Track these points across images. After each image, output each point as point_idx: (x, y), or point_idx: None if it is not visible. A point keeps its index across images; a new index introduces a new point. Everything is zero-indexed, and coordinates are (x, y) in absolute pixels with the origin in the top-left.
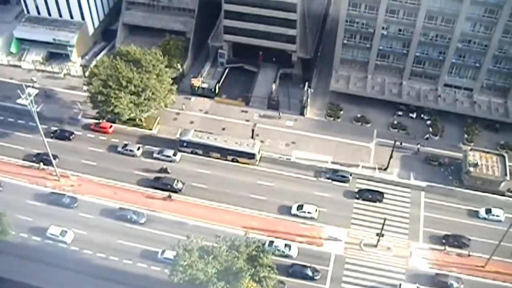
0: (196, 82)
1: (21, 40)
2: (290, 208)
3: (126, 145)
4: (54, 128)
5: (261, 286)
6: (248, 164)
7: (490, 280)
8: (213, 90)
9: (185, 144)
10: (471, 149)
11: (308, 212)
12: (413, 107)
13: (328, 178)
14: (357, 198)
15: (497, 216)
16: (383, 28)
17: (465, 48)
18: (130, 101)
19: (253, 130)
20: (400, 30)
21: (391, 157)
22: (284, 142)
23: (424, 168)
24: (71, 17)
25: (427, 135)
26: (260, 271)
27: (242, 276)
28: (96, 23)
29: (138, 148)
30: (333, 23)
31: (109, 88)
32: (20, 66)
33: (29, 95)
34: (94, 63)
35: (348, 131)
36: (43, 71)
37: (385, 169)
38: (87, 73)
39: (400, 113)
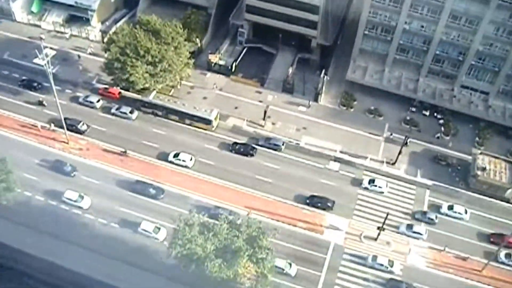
0: (214, 58)
1: (43, 0)
2: (167, 154)
3: (87, 96)
4: (23, 78)
5: (258, 268)
6: (205, 129)
7: (486, 285)
8: (229, 68)
9: (146, 104)
10: (481, 153)
11: (183, 160)
12: (427, 104)
13: (261, 146)
14: (230, 151)
15: (380, 187)
16: (405, 22)
17: (486, 51)
18: (146, 71)
19: (265, 112)
20: (422, 27)
21: (400, 152)
22: (295, 127)
23: (432, 166)
24: None
25: (439, 134)
26: (259, 253)
27: (240, 256)
28: None
29: (98, 101)
30: (356, 12)
31: (126, 56)
32: (40, 26)
33: (46, 55)
34: (113, 29)
35: (360, 122)
36: (51, 31)
37: (393, 164)
38: (105, 39)
39: (413, 109)
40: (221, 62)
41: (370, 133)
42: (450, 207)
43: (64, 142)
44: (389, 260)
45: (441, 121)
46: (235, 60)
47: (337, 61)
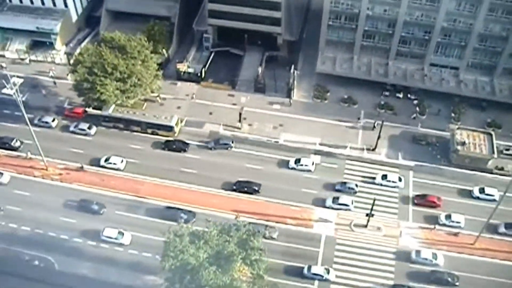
0: (182, 67)
1: (4, 29)
2: (99, 160)
3: (42, 116)
4: None
5: (253, 269)
6: (167, 136)
7: (479, 257)
8: (199, 74)
9: (106, 118)
10: (458, 128)
11: (114, 163)
12: (399, 87)
13: (211, 148)
14: (163, 149)
15: (306, 165)
16: (368, 8)
17: (450, 27)
18: (116, 88)
19: (240, 114)
20: (385, 10)
21: (379, 137)
22: (272, 125)
23: (412, 147)
24: (54, 5)
25: (414, 115)
26: (251, 254)
27: (234, 260)
28: (80, 10)
29: (53, 120)
30: (318, 4)
31: (95, 75)
32: (3, 56)
33: (14, 84)
34: (78, 50)
35: (335, 112)
36: (15, 59)
37: (373, 150)
38: (72, 61)
39: (386, 93)
40: (190, 70)
41: (346, 122)
42: (384, 177)
43: (43, 169)
44: (432, 253)
45: (415, 102)
46: (204, 66)
47: (305, 55)
